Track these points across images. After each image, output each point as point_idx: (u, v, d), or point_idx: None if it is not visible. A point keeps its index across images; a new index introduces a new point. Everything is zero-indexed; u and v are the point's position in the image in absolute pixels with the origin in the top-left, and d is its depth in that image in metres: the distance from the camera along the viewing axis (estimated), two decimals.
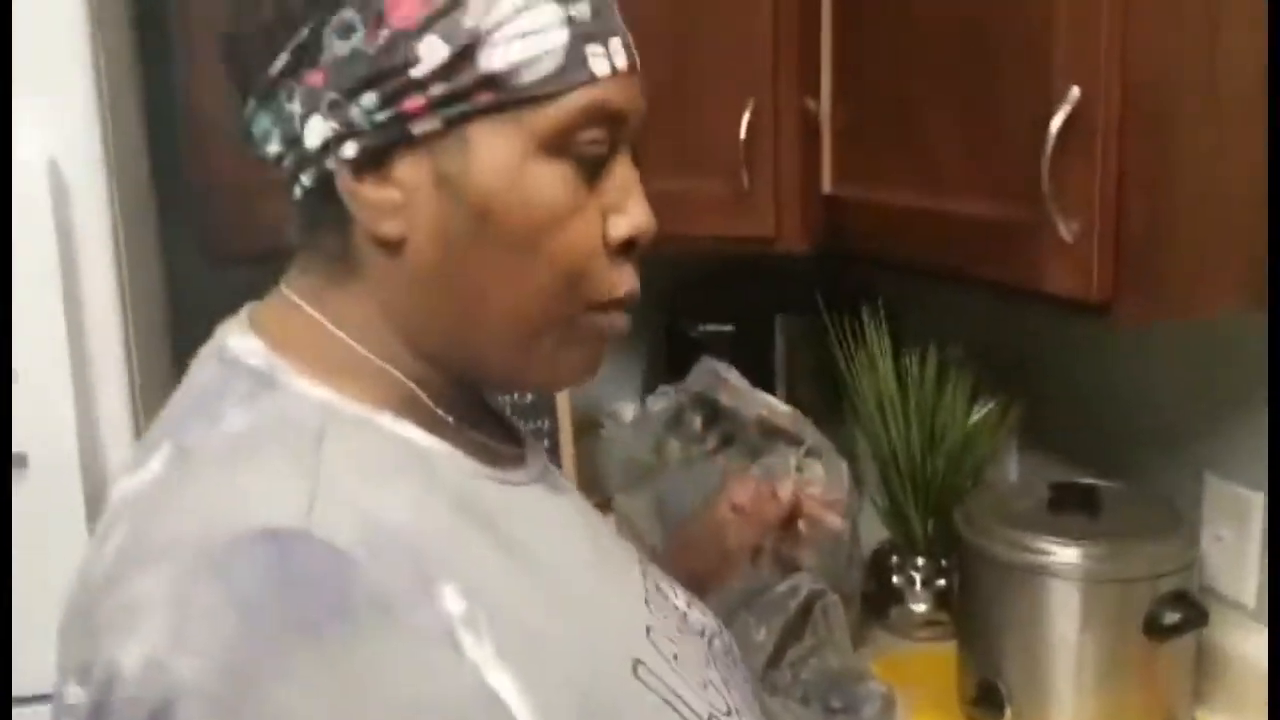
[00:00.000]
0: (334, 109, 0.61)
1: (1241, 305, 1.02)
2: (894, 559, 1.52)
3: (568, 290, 0.64)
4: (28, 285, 1.11)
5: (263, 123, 0.64)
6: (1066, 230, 0.94)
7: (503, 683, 0.56)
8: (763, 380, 1.60)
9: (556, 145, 0.62)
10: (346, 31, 0.60)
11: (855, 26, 1.27)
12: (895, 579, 1.51)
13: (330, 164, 0.61)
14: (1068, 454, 1.46)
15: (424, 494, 0.61)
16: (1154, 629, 1.15)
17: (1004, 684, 1.22)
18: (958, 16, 1.08)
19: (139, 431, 1.18)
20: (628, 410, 1.52)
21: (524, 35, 0.60)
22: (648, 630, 0.70)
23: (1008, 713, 1.21)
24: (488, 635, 0.57)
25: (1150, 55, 0.90)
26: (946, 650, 1.37)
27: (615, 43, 0.64)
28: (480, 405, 0.73)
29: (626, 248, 0.66)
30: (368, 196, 0.61)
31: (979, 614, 1.26)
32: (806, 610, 1.28)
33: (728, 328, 1.80)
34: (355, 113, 0.60)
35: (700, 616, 0.80)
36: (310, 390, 0.62)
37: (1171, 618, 1.15)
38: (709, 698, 0.70)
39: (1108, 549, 1.17)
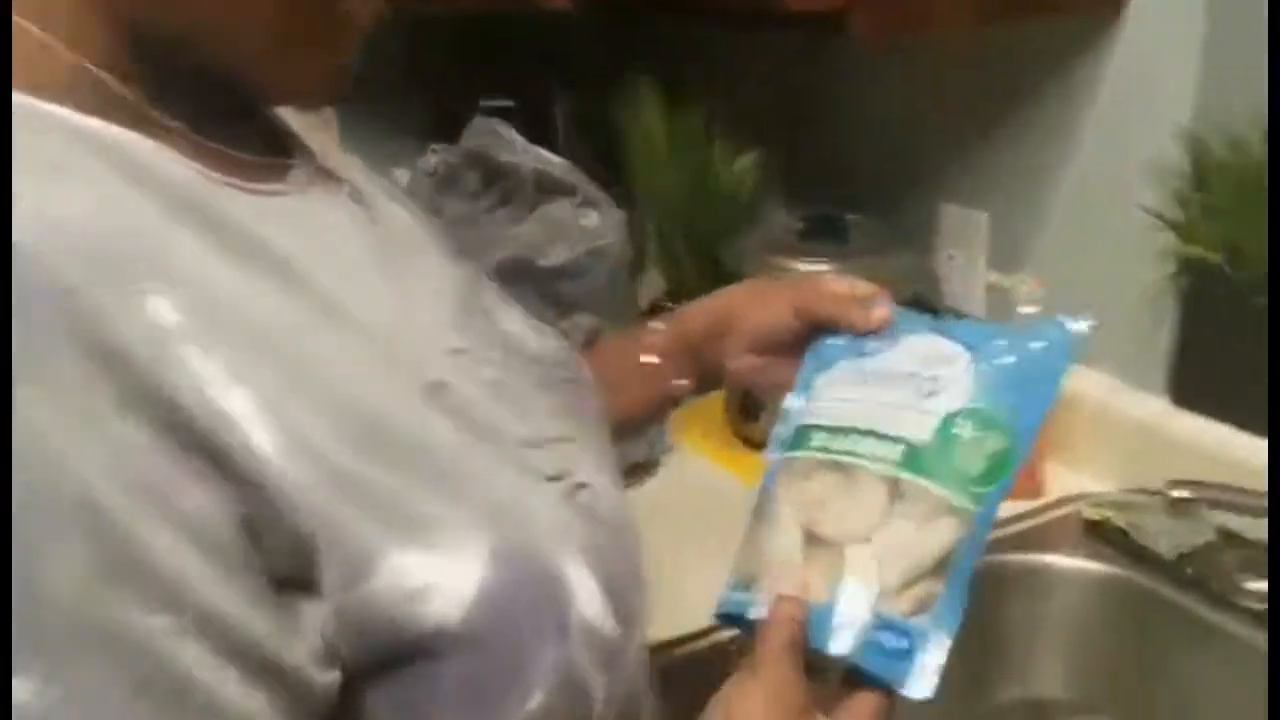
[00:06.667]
0: None
1: (972, 22, 1.13)
2: (668, 305, 1.62)
3: None
4: None
5: None
6: None
7: (231, 404, 0.49)
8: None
9: None
10: None
11: None
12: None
13: None
14: (824, 194, 1.58)
15: (119, 191, 0.53)
16: None
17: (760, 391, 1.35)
18: None
19: None
20: (403, 176, 1.54)
21: None
22: (456, 353, 0.65)
23: (762, 417, 1.36)
24: (214, 351, 0.50)
25: None
26: None
27: None
28: (228, 116, 0.64)
29: None
30: None
31: None
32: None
33: (508, 102, 1.82)
34: None
35: (540, 341, 0.76)
36: None
37: None
38: (537, 423, 0.66)
39: (854, 266, 1.30)
